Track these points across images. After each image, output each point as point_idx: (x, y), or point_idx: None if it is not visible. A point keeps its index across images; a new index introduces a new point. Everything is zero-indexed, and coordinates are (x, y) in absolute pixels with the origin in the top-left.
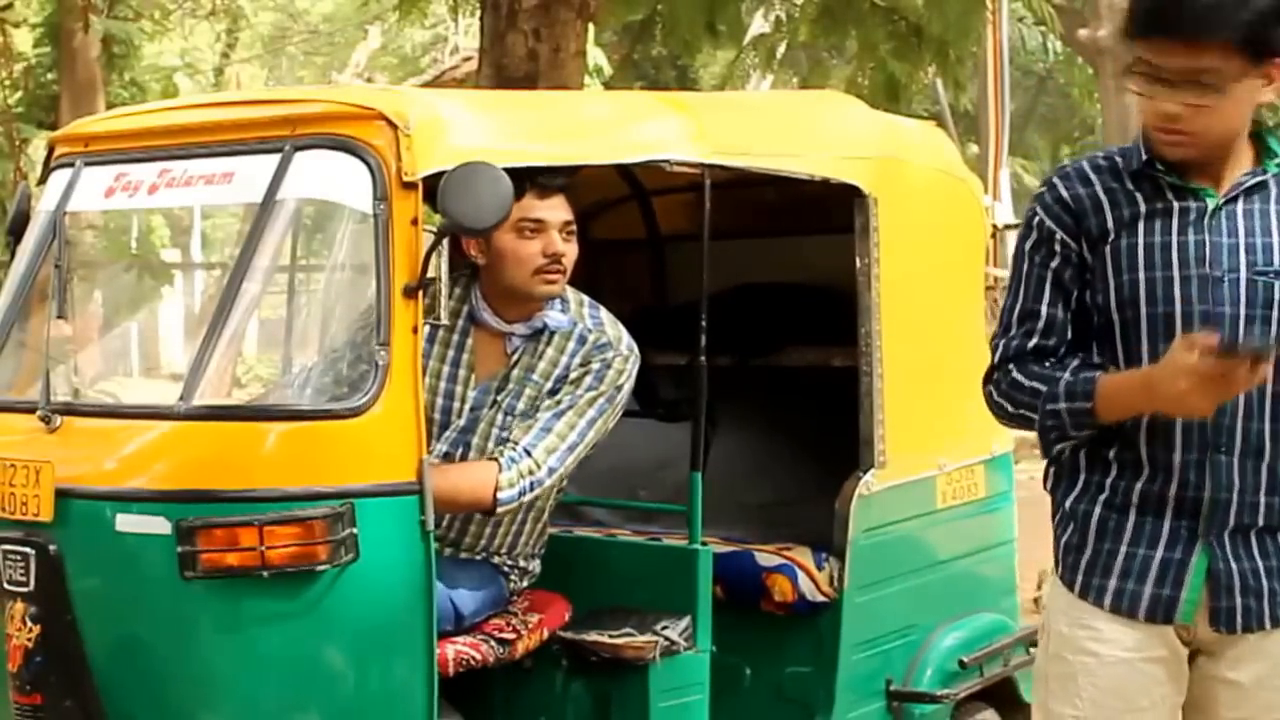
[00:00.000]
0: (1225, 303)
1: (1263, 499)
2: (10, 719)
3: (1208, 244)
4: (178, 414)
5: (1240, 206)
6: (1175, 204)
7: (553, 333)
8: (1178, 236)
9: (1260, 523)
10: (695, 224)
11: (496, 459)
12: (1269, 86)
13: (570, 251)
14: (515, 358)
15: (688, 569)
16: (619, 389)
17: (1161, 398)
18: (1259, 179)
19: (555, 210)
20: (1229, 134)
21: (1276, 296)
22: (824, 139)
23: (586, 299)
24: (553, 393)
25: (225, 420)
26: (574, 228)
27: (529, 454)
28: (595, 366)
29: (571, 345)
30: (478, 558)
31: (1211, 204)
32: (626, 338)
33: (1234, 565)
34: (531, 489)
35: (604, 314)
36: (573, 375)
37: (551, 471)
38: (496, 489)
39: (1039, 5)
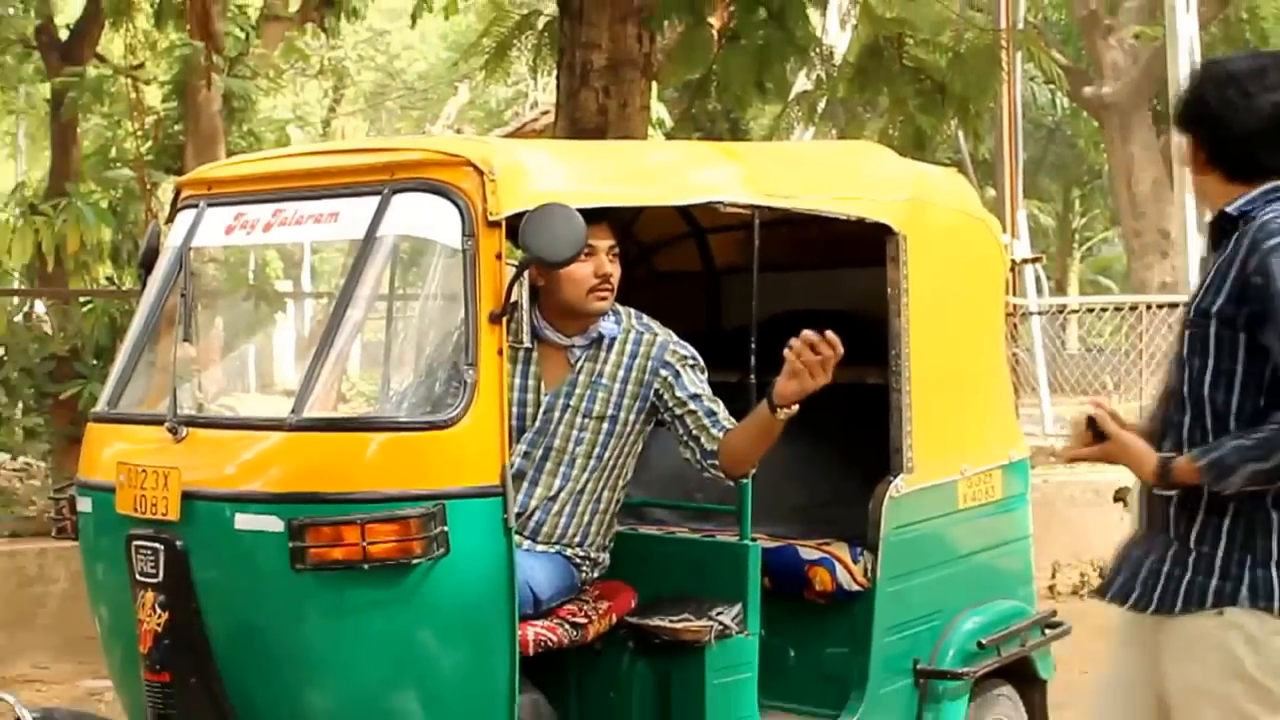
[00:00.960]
0: None
1: None
2: (141, 696)
3: None
4: (289, 425)
5: None
6: None
7: (609, 340)
8: None
9: None
10: (746, 258)
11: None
12: None
13: (616, 272)
14: (579, 365)
15: (739, 562)
16: (700, 363)
17: None
18: None
19: (603, 237)
20: None
21: None
22: (859, 183)
23: (634, 311)
24: (668, 382)
25: (331, 431)
26: (617, 250)
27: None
28: (674, 359)
29: (629, 348)
30: (553, 550)
31: None
32: (674, 336)
33: None
34: None
35: (651, 321)
36: (675, 370)
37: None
38: None
39: (1048, 65)
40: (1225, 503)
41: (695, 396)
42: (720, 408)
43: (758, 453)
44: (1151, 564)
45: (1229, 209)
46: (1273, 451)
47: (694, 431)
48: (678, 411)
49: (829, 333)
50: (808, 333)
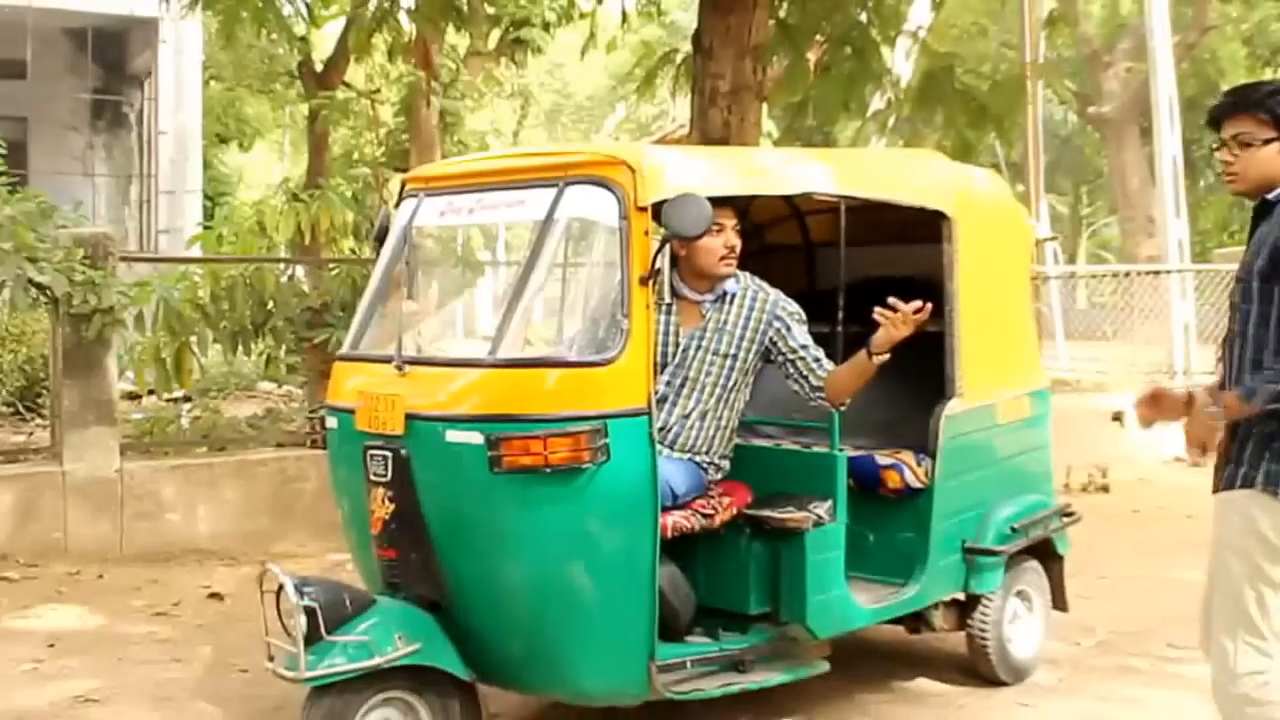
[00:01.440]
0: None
1: None
2: (373, 567)
3: None
4: (488, 363)
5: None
6: None
7: (732, 296)
8: None
9: None
10: (835, 235)
11: None
12: None
13: (738, 243)
14: (708, 315)
15: (829, 467)
16: (803, 316)
17: None
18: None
19: (729, 217)
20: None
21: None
22: (920, 180)
23: (751, 275)
24: (781, 333)
25: (520, 367)
26: (739, 226)
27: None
28: (785, 314)
29: (748, 302)
30: (686, 457)
31: None
32: (782, 295)
33: None
34: None
35: (764, 283)
36: (787, 325)
37: None
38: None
39: (1062, 91)
40: (1258, 419)
41: (804, 346)
42: (822, 354)
43: (855, 388)
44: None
45: (1270, 196)
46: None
47: (804, 372)
48: (790, 357)
49: (913, 303)
50: (893, 300)
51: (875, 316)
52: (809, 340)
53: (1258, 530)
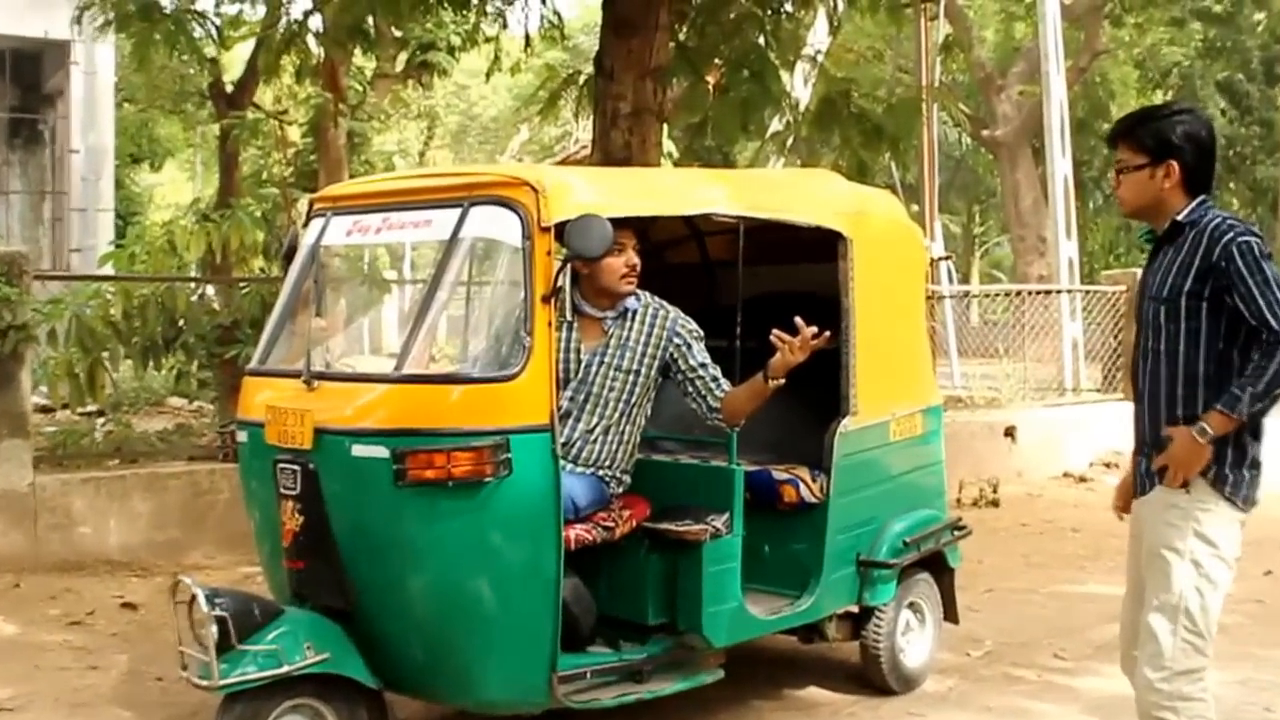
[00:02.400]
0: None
1: None
2: (283, 578)
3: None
4: (393, 378)
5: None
6: None
7: (633, 313)
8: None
9: None
10: (733, 254)
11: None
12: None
13: (639, 262)
14: (610, 332)
15: (727, 481)
16: (701, 334)
17: None
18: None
19: (630, 237)
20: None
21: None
22: (817, 200)
23: (651, 294)
24: (682, 351)
25: (424, 383)
26: (639, 246)
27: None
28: (684, 332)
29: (649, 319)
30: (589, 471)
31: None
32: (682, 314)
33: None
34: None
35: (663, 301)
36: (686, 343)
37: None
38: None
39: (956, 114)
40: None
41: (703, 365)
42: (720, 373)
43: (750, 409)
44: None
45: (1180, 218)
46: (1260, 377)
47: (701, 391)
48: (689, 375)
49: (810, 328)
50: (797, 321)
51: (772, 340)
52: (707, 359)
53: (1200, 530)
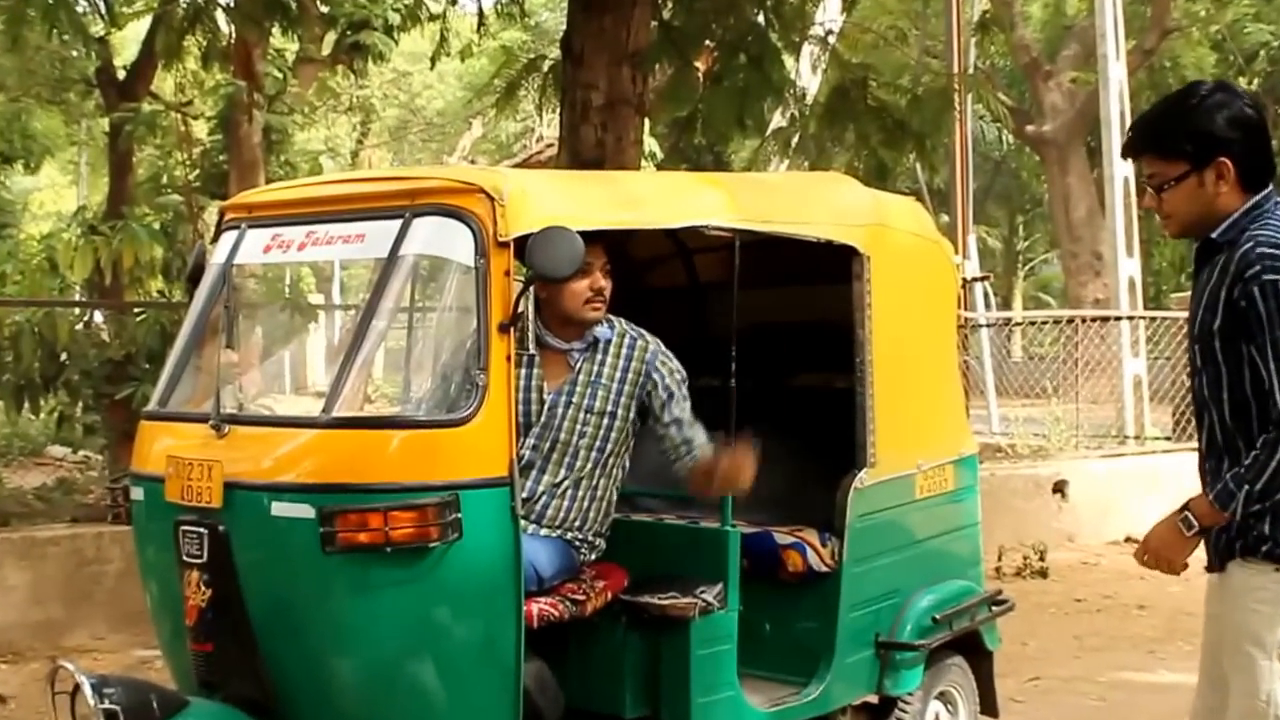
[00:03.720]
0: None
1: None
2: (186, 664)
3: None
4: (320, 423)
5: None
6: None
7: (604, 343)
8: None
9: None
10: (727, 275)
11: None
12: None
13: (608, 286)
14: (577, 367)
15: (720, 546)
16: (684, 376)
17: None
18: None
19: (597, 256)
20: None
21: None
22: (828, 210)
23: (623, 319)
24: (662, 401)
25: (358, 428)
26: (609, 267)
27: (706, 441)
28: (665, 371)
29: (624, 351)
30: (555, 534)
31: None
32: (662, 345)
33: None
34: None
35: (644, 331)
36: (666, 388)
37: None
38: None
39: (995, 106)
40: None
41: (676, 421)
42: (695, 432)
43: (717, 495)
44: None
45: (1214, 235)
46: (1258, 475)
47: (669, 453)
48: (659, 431)
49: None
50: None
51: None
52: (684, 414)
53: None
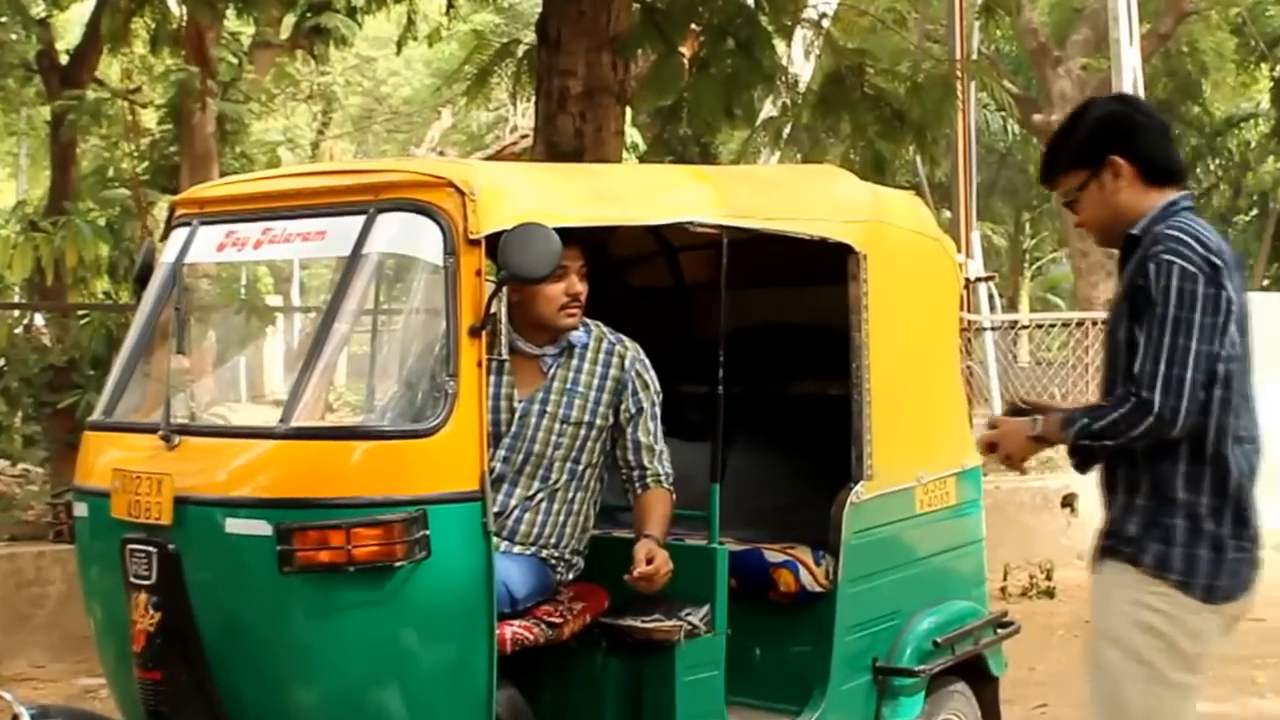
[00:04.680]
0: None
1: None
2: (134, 693)
3: None
4: (278, 434)
5: None
6: None
7: (579, 349)
8: None
9: None
10: (714, 275)
11: (668, 489)
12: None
13: (584, 290)
14: (551, 373)
15: (707, 564)
16: (658, 392)
17: None
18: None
19: (573, 258)
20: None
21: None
22: (821, 205)
23: (599, 322)
24: (629, 415)
25: (319, 439)
26: (586, 270)
27: (668, 472)
28: (639, 384)
29: (602, 357)
30: (529, 551)
31: None
32: (641, 352)
33: None
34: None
35: (622, 335)
36: (637, 403)
37: (671, 472)
38: (674, 505)
39: (1000, 94)
40: (1138, 486)
41: (636, 444)
42: (652, 460)
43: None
44: None
45: (1134, 231)
46: (1103, 415)
47: (622, 469)
48: (620, 443)
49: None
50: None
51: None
52: (646, 435)
53: (1145, 621)
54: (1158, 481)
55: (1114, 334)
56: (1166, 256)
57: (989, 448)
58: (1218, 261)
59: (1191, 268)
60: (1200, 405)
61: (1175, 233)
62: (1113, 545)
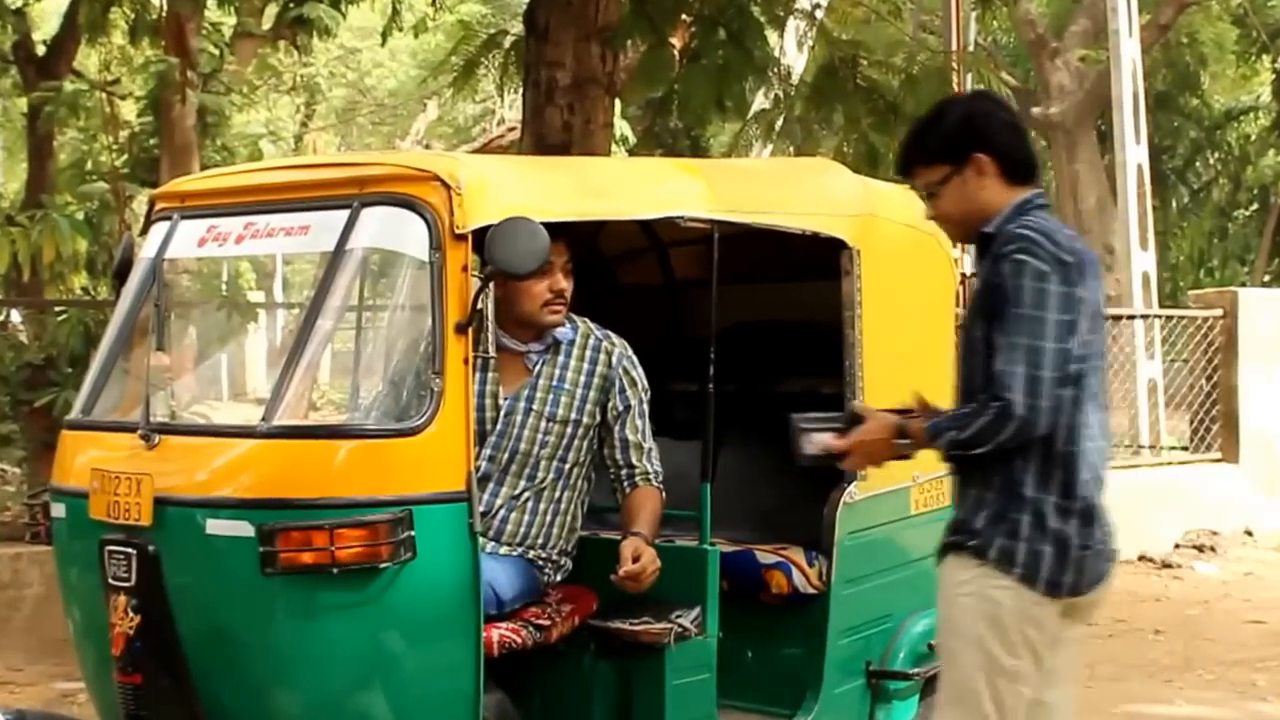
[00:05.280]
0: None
1: None
2: (113, 698)
3: None
4: (260, 433)
5: None
6: None
7: (565, 344)
8: None
9: None
10: (705, 271)
11: (657, 488)
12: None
13: (569, 286)
14: (537, 369)
15: (698, 565)
16: (646, 389)
17: None
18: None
19: (559, 253)
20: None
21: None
22: (814, 199)
23: (592, 321)
24: (617, 413)
25: (302, 438)
26: (571, 266)
27: (657, 471)
28: (627, 381)
29: (589, 354)
30: (515, 552)
31: None
32: (628, 348)
33: None
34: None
35: (610, 332)
36: (625, 400)
37: (660, 470)
38: (663, 504)
39: (997, 86)
40: (988, 482)
41: (623, 442)
42: (641, 459)
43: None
44: None
45: (987, 229)
46: (968, 424)
47: (610, 468)
48: (608, 442)
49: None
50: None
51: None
52: (635, 433)
53: (991, 613)
54: (1008, 478)
55: (970, 333)
56: (1019, 255)
57: (841, 455)
58: (1069, 259)
59: (1044, 266)
60: (1057, 403)
61: (1027, 231)
62: (959, 540)
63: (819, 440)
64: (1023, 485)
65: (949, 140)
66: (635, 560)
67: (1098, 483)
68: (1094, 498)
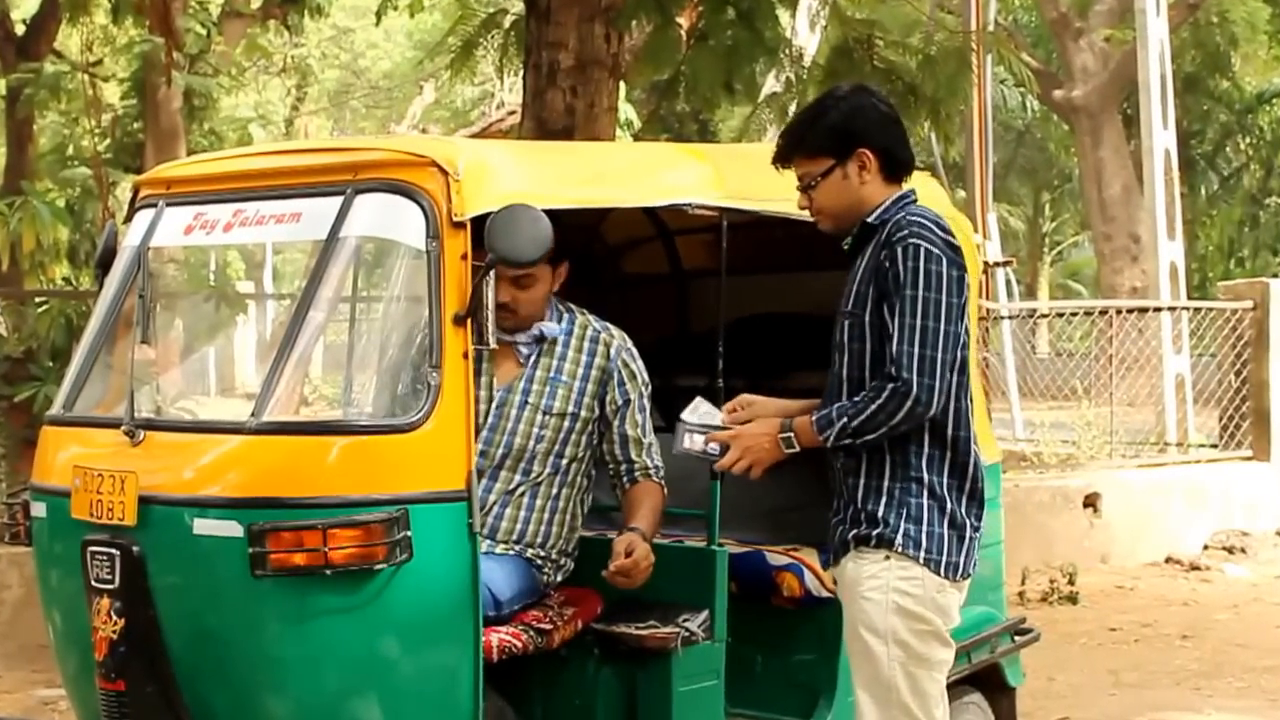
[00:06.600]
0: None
1: None
2: (95, 705)
3: None
4: (249, 429)
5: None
6: None
7: (563, 337)
8: None
9: None
10: (714, 260)
11: (658, 483)
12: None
13: (522, 298)
14: (531, 362)
15: (706, 567)
16: (646, 383)
17: None
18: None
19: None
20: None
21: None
22: None
23: (581, 308)
24: (616, 407)
25: (293, 435)
26: (535, 273)
27: (658, 465)
28: (626, 375)
29: (587, 345)
30: (512, 551)
31: None
32: (628, 340)
33: None
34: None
35: (608, 323)
36: (625, 394)
37: (661, 465)
38: (664, 499)
39: (1019, 68)
40: (873, 470)
41: (624, 438)
42: (640, 454)
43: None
44: None
45: (870, 219)
46: (860, 411)
47: (609, 464)
48: (607, 437)
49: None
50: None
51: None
52: (635, 428)
53: (901, 605)
54: (900, 463)
55: (850, 321)
56: (912, 240)
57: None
58: (956, 243)
59: (936, 250)
60: (947, 386)
61: (917, 218)
62: (863, 532)
63: (697, 440)
64: (917, 469)
65: (834, 134)
66: (628, 555)
67: (980, 467)
68: (980, 481)
